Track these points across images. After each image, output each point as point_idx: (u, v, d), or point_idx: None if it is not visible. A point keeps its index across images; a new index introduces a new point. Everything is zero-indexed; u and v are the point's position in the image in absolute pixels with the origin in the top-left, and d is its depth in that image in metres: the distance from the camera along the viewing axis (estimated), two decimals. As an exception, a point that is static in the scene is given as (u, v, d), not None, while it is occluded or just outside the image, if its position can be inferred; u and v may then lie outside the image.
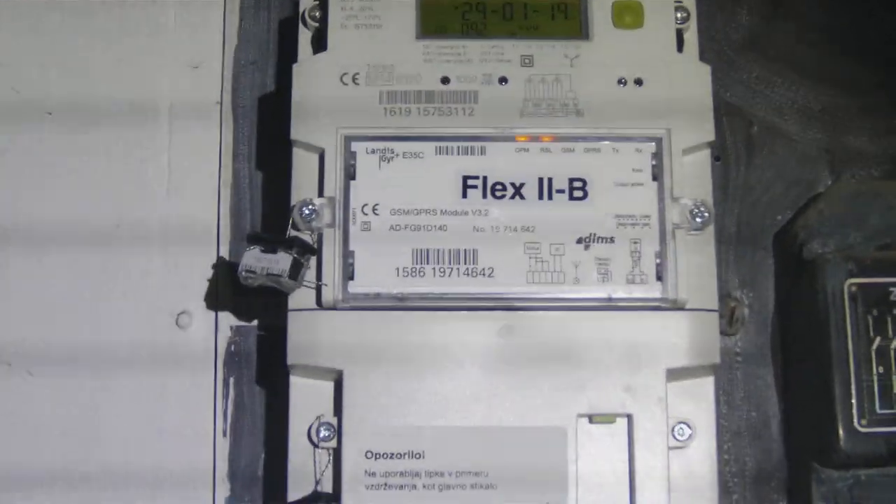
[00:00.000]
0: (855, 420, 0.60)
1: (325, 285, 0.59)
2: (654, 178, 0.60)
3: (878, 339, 0.61)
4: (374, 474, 0.57)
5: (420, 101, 0.61)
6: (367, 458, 0.58)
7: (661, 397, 0.58)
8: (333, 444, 0.58)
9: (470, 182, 0.60)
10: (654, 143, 0.60)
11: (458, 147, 0.60)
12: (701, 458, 0.59)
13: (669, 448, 0.58)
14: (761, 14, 0.71)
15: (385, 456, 0.58)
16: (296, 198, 0.60)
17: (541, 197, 0.60)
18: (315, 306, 0.59)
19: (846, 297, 0.61)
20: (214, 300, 0.66)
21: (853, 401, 0.60)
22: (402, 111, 0.61)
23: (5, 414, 0.65)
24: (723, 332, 0.65)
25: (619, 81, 0.61)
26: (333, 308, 0.59)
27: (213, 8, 0.70)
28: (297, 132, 0.61)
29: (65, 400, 0.65)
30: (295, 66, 0.62)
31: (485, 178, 0.60)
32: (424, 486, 0.57)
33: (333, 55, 0.62)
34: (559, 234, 0.59)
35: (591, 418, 0.58)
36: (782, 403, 0.66)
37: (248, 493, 0.65)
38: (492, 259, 0.59)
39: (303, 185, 0.60)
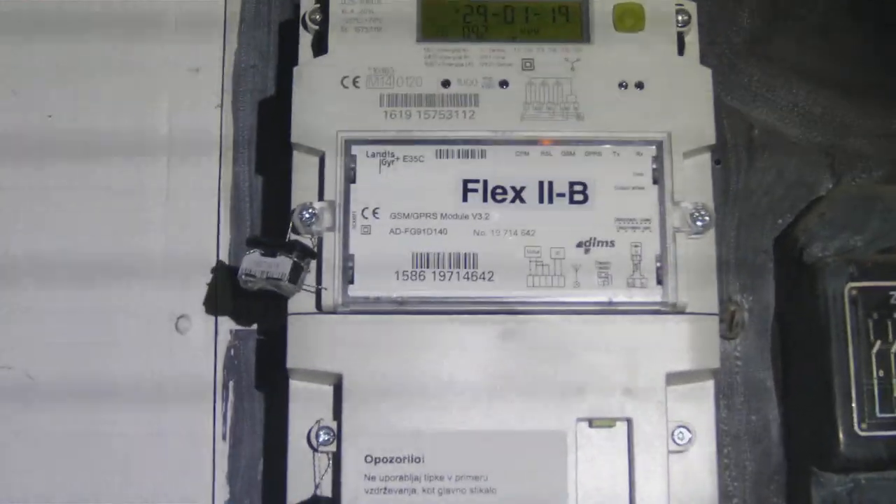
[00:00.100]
0: (855, 424, 0.60)
1: (325, 289, 0.59)
2: (655, 181, 0.60)
3: (878, 343, 0.60)
4: (373, 478, 0.57)
5: (420, 105, 0.61)
6: (366, 462, 0.57)
7: (661, 401, 0.58)
8: (333, 448, 0.58)
9: (470, 185, 0.60)
10: (654, 147, 0.60)
11: (459, 150, 0.60)
12: (701, 462, 0.59)
13: (669, 452, 0.58)
14: (762, 17, 0.71)
15: (385, 460, 0.57)
16: (296, 201, 0.60)
17: (541, 200, 0.60)
18: (315, 310, 0.59)
19: (846, 300, 0.61)
20: (214, 304, 0.66)
21: (853, 404, 0.60)
22: (402, 114, 0.61)
23: (5, 415, 0.65)
24: (723, 336, 0.65)
25: (620, 85, 0.61)
26: (333, 312, 0.59)
27: (214, 11, 0.70)
28: (297, 135, 0.60)
29: (64, 403, 0.65)
30: (295, 70, 0.62)
31: (485, 182, 0.60)
32: (424, 491, 0.57)
33: (334, 58, 0.62)
34: (559, 237, 0.59)
35: (591, 422, 0.58)
36: (782, 407, 0.66)
37: (248, 497, 0.64)
38: (492, 263, 0.59)
39: (303, 188, 0.60)
